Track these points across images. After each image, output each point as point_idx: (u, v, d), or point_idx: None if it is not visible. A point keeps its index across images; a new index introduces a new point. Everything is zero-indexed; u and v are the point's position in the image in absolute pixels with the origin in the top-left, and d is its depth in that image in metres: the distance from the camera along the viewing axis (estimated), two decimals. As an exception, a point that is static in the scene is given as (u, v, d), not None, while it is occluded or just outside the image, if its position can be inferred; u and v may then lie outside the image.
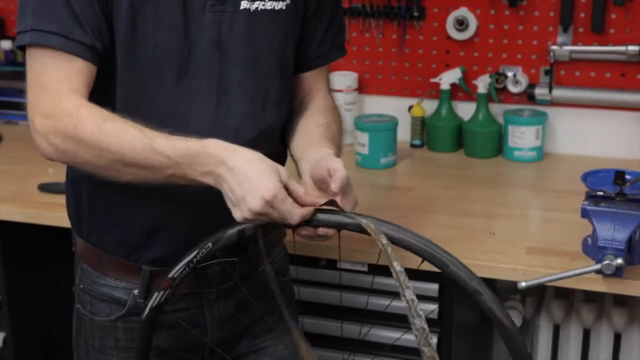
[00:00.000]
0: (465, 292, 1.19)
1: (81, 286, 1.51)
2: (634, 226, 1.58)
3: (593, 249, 1.64)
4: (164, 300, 1.36)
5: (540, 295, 2.26)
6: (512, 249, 1.78)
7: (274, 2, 1.40)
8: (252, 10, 1.38)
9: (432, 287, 1.83)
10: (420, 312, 1.11)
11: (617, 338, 2.19)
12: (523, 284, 1.59)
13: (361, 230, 1.22)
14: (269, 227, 1.28)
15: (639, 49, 2.27)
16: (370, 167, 2.34)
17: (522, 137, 2.36)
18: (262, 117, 1.42)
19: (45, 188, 2.10)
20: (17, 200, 2.07)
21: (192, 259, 1.31)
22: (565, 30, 2.36)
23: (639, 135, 2.36)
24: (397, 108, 2.52)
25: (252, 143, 1.29)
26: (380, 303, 1.80)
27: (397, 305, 1.68)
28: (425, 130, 2.51)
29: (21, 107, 2.67)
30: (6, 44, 2.77)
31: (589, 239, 1.73)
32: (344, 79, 2.52)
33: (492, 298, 1.17)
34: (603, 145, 2.40)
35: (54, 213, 1.97)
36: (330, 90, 1.59)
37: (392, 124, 2.36)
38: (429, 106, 2.52)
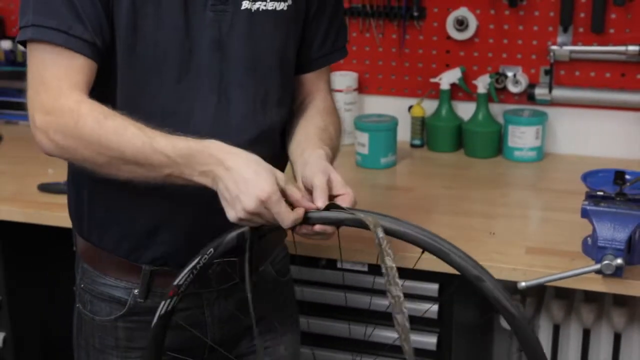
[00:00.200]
0: (468, 280, 1.18)
1: (82, 285, 1.52)
2: (634, 226, 1.58)
3: (593, 249, 1.64)
4: (172, 308, 1.36)
5: (540, 295, 2.26)
6: (512, 249, 1.78)
7: (275, 3, 1.40)
8: (253, 11, 1.38)
9: (432, 287, 1.83)
10: (398, 281, 1.12)
11: (617, 338, 2.19)
12: (523, 284, 1.59)
13: (360, 224, 1.22)
14: (266, 229, 1.28)
15: (639, 49, 2.27)
16: (370, 167, 2.34)
17: (522, 137, 2.37)
18: (262, 117, 1.42)
19: (45, 188, 2.10)
20: (17, 200, 2.07)
21: (196, 265, 1.32)
22: (565, 30, 2.36)
23: (639, 135, 2.36)
24: (397, 108, 2.52)
25: (252, 143, 1.29)
26: (381, 303, 1.80)
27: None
28: (425, 130, 2.52)
29: (21, 107, 2.67)
30: (6, 44, 2.77)
31: (588, 239, 1.73)
32: (344, 79, 2.52)
33: (495, 285, 1.17)
34: (603, 145, 2.40)
35: (54, 213, 1.97)
36: (331, 92, 1.59)
37: (392, 124, 2.36)
38: (429, 106, 2.52)
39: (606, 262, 1.56)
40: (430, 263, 1.59)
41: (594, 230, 1.61)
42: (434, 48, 2.50)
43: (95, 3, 1.29)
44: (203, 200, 1.33)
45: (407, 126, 2.51)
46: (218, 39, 1.36)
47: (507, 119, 2.40)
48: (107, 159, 1.26)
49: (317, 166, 1.32)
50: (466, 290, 1.74)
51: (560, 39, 2.37)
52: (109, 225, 1.45)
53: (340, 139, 1.51)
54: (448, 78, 2.46)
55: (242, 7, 1.37)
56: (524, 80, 2.42)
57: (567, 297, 2.22)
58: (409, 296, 1.76)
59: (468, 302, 1.96)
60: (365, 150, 2.34)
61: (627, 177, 1.80)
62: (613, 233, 1.58)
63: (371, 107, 2.58)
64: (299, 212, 1.24)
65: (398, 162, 2.39)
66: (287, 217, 1.22)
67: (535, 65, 2.42)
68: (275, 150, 1.45)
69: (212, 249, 1.30)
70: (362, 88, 2.59)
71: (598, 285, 1.64)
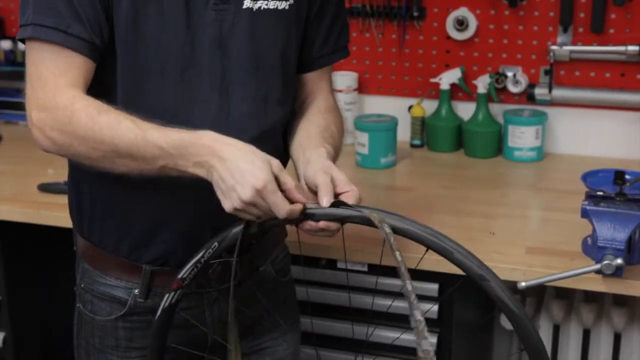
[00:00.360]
0: (472, 279, 1.18)
1: (82, 285, 1.52)
2: (634, 226, 1.58)
3: (593, 249, 1.64)
4: (175, 302, 1.36)
5: (540, 295, 2.26)
6: (511, 249, 1.78)
7: (277, 2, 1.40)
8: (254, 10, 1.38)
9: (432, 287, 1.83)
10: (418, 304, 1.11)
11: (617, 338, 2.19)
12: (523, 284, 1.59)
13: (365, 221, 1.22)
14: (267, 225, 1.28)
15: (638, 49, 2.27)
16: (370, 167, 2.34)
17: (522, 137, 2.37)
18: (263, 116, 1.42)
19: (45, 188, 2.10)
20: (17, 200, 2.07)
21: (200, 258, 1.32)
22: (565, 30, 2.36)
23: (639, 135, 2.36)
24: (397, 108, 2.52)
25: (254, 142, 1.29)
26: (381, 303, 1.80)
27: (399, 305, 1.68)
28: (425, 130, 2.52)
29: (21, 107, 2.65)
30: (6, 44, 2.76)
31: (588, 239, 1.73)
32: (344, 79, 2.52)
33: (498, 284, 1.16)
34: (603, 145, 2.41)
35: (54, 213, 1.97)
36: (333, 91, 1.59)
37: (392, 124, 2.36)
38: (429, 106, 2.52)
39: (606, 262, 1.56)
40: (431, 263, 1.60)
41: (594, 230, 1.61)
42: (434, 48, 2.50)
43: (94, 2, 1.29)
44: (203, 200, 1.33)
45: (407, 126, 2.51)
46: (219, 37, 1.36)
47: (507, 119, 2.40)
48: (102, 153, 1.27)
49: (318, 164, 1.32)
50: (466, 290, 1.73)
51: (560, 39, 2.37)
52: (109, 225, 1.45)
53: (342, 137, 1.51)
54: (448, 78, 2.46)
55: (244, 6, 1.37)
56: (523, 80, 2.42)
57: (567, 297, 2.22)
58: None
59: (468, 302, 1.96)
60: (365, 150, 2.34)
61: (627, 177, 1.80)
62: (613, 233, 1.58)
63: (371, 107, 2.58)
64: (297, 205, 1.24)
65: (398, 162, 2.39)
66: (282, 207, 1.22)
67: (535, 65, 2.42)
68: (276, 150, 1.45)
69: (216, 243, 1.30)
70: (362, 88, 2.59)
71: (598, 285, 1.65)
